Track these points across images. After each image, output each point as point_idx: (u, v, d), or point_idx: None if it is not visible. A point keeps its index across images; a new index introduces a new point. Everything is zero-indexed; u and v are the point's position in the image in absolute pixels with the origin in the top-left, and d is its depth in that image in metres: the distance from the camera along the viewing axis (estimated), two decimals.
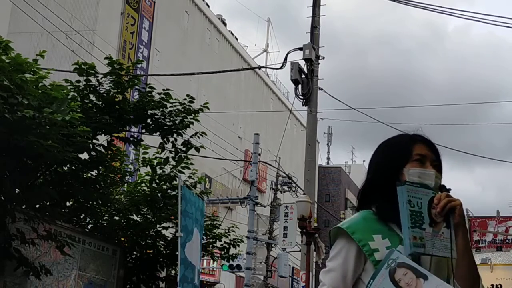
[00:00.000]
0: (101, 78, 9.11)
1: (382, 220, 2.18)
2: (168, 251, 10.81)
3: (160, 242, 10.89)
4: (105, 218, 10.50)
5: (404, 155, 2.23)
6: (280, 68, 14.16)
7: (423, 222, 2.05)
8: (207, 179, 31.54)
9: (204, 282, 28.41)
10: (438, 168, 2.25)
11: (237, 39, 44.32)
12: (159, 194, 10.54)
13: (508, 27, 12.90)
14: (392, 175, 2.19)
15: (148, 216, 10.73)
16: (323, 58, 14.45)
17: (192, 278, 8.95)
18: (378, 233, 2.15)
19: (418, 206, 2.07)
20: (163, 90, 9.46)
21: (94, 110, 9.01)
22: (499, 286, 20.30)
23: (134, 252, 10.85)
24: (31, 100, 6.66)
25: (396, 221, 2.14)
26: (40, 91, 6.98)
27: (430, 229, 2.06)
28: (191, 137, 9.65)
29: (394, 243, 2.13)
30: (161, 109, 9.42)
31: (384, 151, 2.28)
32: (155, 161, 10.49)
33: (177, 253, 8.91)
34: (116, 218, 10.62)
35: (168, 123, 9.52)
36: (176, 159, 10.04)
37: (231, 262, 16.78)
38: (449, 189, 2.14)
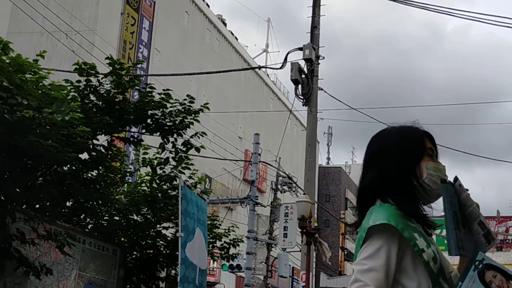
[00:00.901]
0: (102, 79, 9.11)
1: (408, 216, 2.10)
2: (168, 251, 10.81)
3: (160, 242, 10.90)
4: (105, 218, 10.50)
5: (421, 149, 2.19)
6: (280, 68, 14.15)
7: (459, 223, 2.02)
8: (207, 179, 31.54)
9: None
10: None
11: (237, 39, 44.32)
12: (159, 194, 10.54)
13: (508, 27, 12.89)
14: (410, 169, 2.15)
15: (148, 216, 10.73)
16: (323, 58, 14.45)
17: (193, 278, 8.94)
18: (415, 231, 2.07)
19: (454, 206, 2.03)
20: (163, 90, 9.46)
21: (95, 110, 9.01)
22: None
23: (134, 252, 10.85)
24: (30, 100, 6.66)
25: (417, 218, 2.10)
26: (39, 91, 6.98)
27: (462, 230, 2.03)
28: (191, 137, 9.64)
29: (427, 242, 2.06)
30: (161, 109, 9.42)
31: (401, 144, 2.20)
32: (155, 161, 10.49)
33: (177, 253, 8.91)
34: (116, 218, 10.62)
35: (168, 124, 9.51)
36: (177, 159, 10.04)
37: (231, 262, 16.78)
38: (466, 189, 2.12)
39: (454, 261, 2.09)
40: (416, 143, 2.19)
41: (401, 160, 2.16)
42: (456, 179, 2.10)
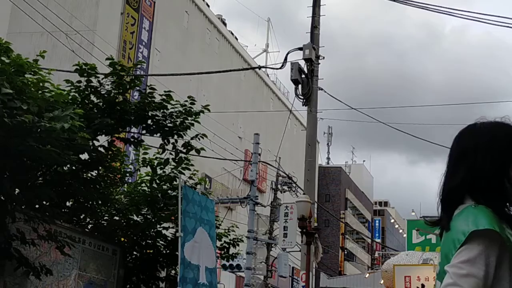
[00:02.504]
0: (102, 79, 9.12)
1: (502, 221, 1.99)
2: (168, 251, 10.82)
3: (160, 242, 10.90)
4: (105, 218, 10.51)
5: None
6: (280, 68, 14.14)
7: None
8: (207, 179, 31.54)
9: None
10: None
11: (237, 39, 44.33)
12: (159, 195, 10.54)
13: (507, 27, 12.89)
14: (503, 170, 2.03)
15: (148, 216, 10.74)
16: (323, 58, 14.43)
17: (192, 278, 8.93)
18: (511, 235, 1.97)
19: None
20: (165, 91, 9.47)
21: (95, 110, 9.02)
22: None
23: (134, 252, 10.85)
24: (31, 105, 6.64)
25: (507, 221, 2.00)
26: (40, 92, 6.98)
27: None
28: (192, 138, 9.65)
29: None
30: (162, 111, 9.42)
31: (494, 143, 2.06)
32: (155, 162, 10.49)
33: (177, 253, 8.91)
34: (116, 218, 10.63)
35: (168, 125, 9.52)
36: (177, 160, 10.05)
37: (231, 262, 16.78)
38: None
39: None
40: (510, 142, 2.07)
41: (494, 160, 2.03)
42: None
